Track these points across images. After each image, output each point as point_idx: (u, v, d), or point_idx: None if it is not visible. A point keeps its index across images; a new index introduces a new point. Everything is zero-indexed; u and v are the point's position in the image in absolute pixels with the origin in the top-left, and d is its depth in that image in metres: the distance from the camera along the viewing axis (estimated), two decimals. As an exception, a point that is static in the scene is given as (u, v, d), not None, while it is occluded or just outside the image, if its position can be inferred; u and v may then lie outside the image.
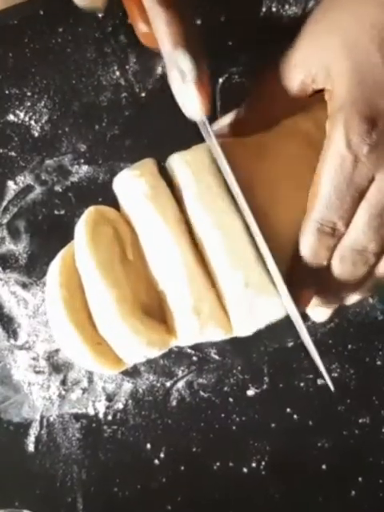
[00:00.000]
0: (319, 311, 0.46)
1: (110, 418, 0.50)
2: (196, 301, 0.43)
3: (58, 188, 0.50)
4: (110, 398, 0.50)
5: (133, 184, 0.45)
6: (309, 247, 0.41)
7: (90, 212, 0.45)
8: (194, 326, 0.44)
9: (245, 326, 0.45)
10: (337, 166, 0.39)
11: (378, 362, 0.49)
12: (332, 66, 0.39)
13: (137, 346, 0.44)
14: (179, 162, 0.45)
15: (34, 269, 0.50)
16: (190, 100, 0.41)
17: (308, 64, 0.40)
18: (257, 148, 0.44)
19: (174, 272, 0.43)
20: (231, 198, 0.44)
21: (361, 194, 0.39)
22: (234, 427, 0.49)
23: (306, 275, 0.42)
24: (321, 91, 0.41)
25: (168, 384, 0.50)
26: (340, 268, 0.41)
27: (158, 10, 0.39)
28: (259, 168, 0.44)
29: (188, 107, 0.42)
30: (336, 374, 0.49)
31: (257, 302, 0.43)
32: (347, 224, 0.40)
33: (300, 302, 0.43)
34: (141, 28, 0.43)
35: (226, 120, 0.46)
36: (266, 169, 0.44)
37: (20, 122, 0.50)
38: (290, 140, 0.44)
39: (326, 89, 0.40)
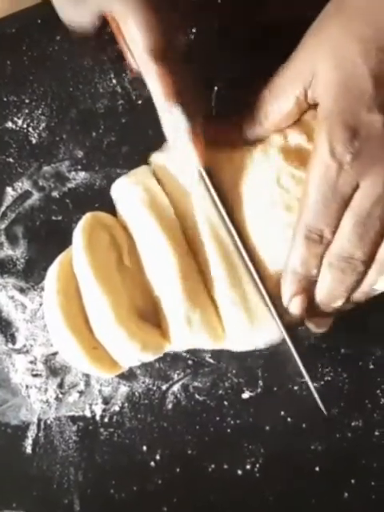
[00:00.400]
0: (318, 322, 0.46)
1: (106, 420, 0.50)
2: (188, 310, 0.44)
3: (55, 194, 0.51)
4: (106, 400, 0.50)
5: (130, 191, 0.46)
6: (298, 255, 0.42)
7: (87, 218, 0.46)
8: (186, 334, 0.45)
9: (240, 342, 0.46)
10: (322, 174, 0.39)
11: (371, 366, 0.49)
12: (320, 77, 0.40)
13: (132, 350, 0.45)
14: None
15: (31, 274, 0.50)
16: (185, 154, 0.42)
17: (302, 77, 0.41)
18: (241, 164, 0.45)
19: (167, 280, 0.44)
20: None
21: (346, 202, 0.40)
22: (228, 430, 0.50)
23: (296, 286, 0.43)
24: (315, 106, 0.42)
25: (164, 387, 0.50)
26: (329, 276, 0.42)
27: (150, 63, 0.39)
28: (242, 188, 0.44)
29: (183, 160, 0.43)
30: (329, 378, 0.50)
31: (253, 325, 0.44)
32: (334, 232, 0.40)
33: (295, 315, 0.44)
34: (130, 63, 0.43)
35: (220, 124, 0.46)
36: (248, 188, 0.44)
37: (18, 128, 0.51)
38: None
39: (317, 100, 0.41)
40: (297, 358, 0.45)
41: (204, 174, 0.43)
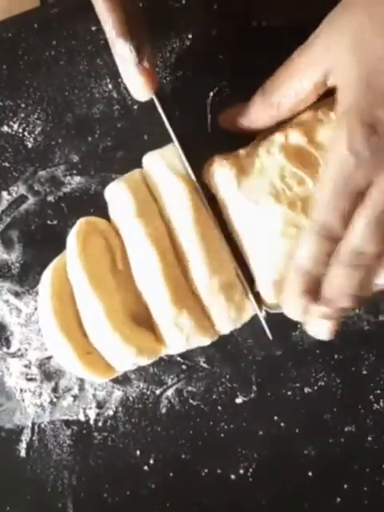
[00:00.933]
0: (322, 329, 0.45)
1: (100, 424, 0.50)
2: (176, 316, 0.44)
3: (50, 198, 0.51)
4: (100, 405, 0.50)
5: (119, 196, 0.46)
6: (307, 252, 0.41)
7: (81, 224, 0.46)
8: (179, 338, 0.45)
9: (226, 326, 0.46)
10: (338, 167, 0.39)
11: (364, 372, 0.50)
12: (341, 67, 0.40)
13: (127, 354, 0.45)
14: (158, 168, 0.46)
15: (26, 278, 0.51)
16: (134, 82, 0.44)
17: (320, 63, 0.41)
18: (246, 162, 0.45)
19: (154, 285, 0.44)
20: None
21: (359, 198, 0.39)
22: (222, 434, 0.50)
23: (302, 283, 0.41)
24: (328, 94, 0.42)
25: (158, 392, 0.50)
26: (339, 272, 0.40)
27: None
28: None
29: (133, 89, 0.45)
30: (323, 383, 0.50)
31: (231, 305, 0.45)
32: (346, 227, 0.40)
33: (302, 314, 0.43)
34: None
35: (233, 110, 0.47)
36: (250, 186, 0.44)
37: (13, 133, 0.51)
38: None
39: (336, 87, 0.41)
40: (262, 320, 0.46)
41: (156, 100, 0.46)
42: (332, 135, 0.40)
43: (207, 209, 0.45)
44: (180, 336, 0.45)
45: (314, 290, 0.41)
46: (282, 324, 0.50)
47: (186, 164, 0.45)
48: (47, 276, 0.46)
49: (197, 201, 0.44)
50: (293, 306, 0.43)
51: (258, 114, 0.45)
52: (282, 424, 0.50)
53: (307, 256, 0.41)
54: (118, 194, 0.46)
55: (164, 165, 0.45)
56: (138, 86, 0.44)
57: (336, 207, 0.39)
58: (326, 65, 0.41)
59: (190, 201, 0.44)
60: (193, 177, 0.45)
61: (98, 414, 0.50)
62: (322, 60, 0.41)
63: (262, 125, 0.45)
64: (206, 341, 0.46)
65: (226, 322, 0.45)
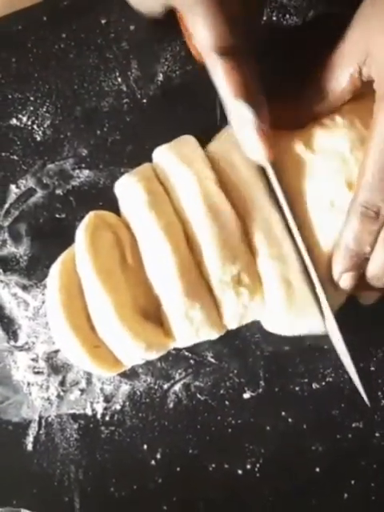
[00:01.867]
0: (372, 297, 0.47)
1: (107, 418, 0.50)
2: (189, 308, 0.44)
3: (59, 192, 0.51)
4: (107, 399, 0.50)
5: (131, 189, 0.46)
6: (352, 232, 0.42)
7: (90, 217, 0.46)
8: (189, 331, 0.45)
9: (233, 321, 0.46)
10: (381, 148, 0.40)
11: (372, 368, 0.50)
12: (375, 55, 0.41)
13: (136, 349, 0.45)
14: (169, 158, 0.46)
15: (34, 271, 0.50)
16: (253, 146, 0.42)
17: (356, 54, 0.42)
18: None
19: (167, 278, 0.44)
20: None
21: None
22: (229, 430, 0.50)
23: (348, 262, 0.43)
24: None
25: (165, 386, 0.50)
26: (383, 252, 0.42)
27: (216, 58, 0.40)
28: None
29: (251, 152, 0.43)
30: (331, 379, 0.50)
31: (240, 299, 0.44)
32: None
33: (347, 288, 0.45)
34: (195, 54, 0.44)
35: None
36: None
37: (22, 126, 0.51)
38: None
39: (374, 75, 0.41)
40: (343, 346, 0.45)
41: (270, 167, 0.44)
42: (373, 119, 0.41)
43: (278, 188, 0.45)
44: (190, 329, 0.45)
45: (359, 266, 0.43)
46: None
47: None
48: (55, 269, 0.46)
49: (208, 190, 0.44)
50: (342, 283, 0.44)
51: (302, 112, 0.45)
52: (290, 419, 0.50)
53: (352, 236, 0.42)
54: (129, 187, 0.46)
55: (174, 156, 0.45)
56: (257, 149, 0.43)
57: (380, 187, 0.40)
58: (360, 55, 0.41)
59: (200, 190, 0.44)
60: (270, 169, 0.44)
61: (105, 408, 0.50)
62: (355, 51, 0.42)
63: (298, 123, 0.46)
64: (214, 334, 0.46)
65: (233, 314, 0.45)
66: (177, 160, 0.45)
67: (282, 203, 0.44)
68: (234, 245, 0.44)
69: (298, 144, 0.45)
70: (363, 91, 0.44)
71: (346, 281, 0.44)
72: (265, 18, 0.50)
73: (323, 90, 0.44)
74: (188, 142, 0.46)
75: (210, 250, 0.44)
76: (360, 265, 0.43)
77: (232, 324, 0.46)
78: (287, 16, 0.50)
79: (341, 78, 0.43)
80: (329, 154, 0.44)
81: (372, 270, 0.43)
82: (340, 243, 0.43)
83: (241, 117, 0.41)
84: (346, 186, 0.44)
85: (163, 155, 0.46)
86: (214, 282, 0.44)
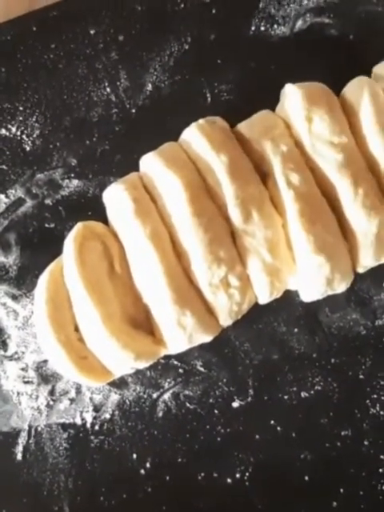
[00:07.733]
0: None
1: (97, 428, 0.50)
2: (180, 316, 0.44)
3: (48, 201, 0.51)
4: (97, 408, 0.50)
5: (118, 198, 0.46)
6: None
7: (78, 228, 0.46)
8: (182, 338, 0.45)
9: (228, 318, 0.46)
10: None
11: (361, 376, 0.50)
12: None
13: (125, 360, 0.45)
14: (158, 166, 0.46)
15: (23, 281, 0.51)
16: None
17: None
18: None
19: (156, 289, 0.44)
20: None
21: None
22: (218, 438, 0.50)
23: None
24: None
25: (154, 395, 0.50)
26: None
27: None
28: None
29: None
30: (319, 388, 0.50)
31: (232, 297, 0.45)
32: None
33: None
34: None
35: None
36: None
37: (12, 136, 0.51)
38: None
39: None
40: None
41: None
42: None
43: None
44: (183, 336, 0.45)
45: None
46: (277, 328, 0.50)
47: None
48: (43, 280, 0.46)
49: (193, 194, 0.44)
50: None
51: None
52: (279, 428, 0.50)
53: None
54: (116, 195, 0.46)
55: (160, 162, 0.45)
56: None
57: None
58: None
59: (185, 193, 0.44)
60: None
61: (94, 418, 0.50)
62: None
63: None
64: (208, 338, 0.46)
65: (227, 314, 0.45)
66: (162, 166, 0.45)
67: None
68: (219, 247, 0.44)
69: None
70: None
71: None
72: (253, 29, 0.51)
73: None
74: (173, 147, 0.47)
75: (197, 254, 0.44)
76: None
77: (227, 322, 0.46)
78: (275, 26, 0.51)
79: None
80: None
81: None
82: None
83: None
84: None
85: (149, 162, 0.46)
86: (203, 286, 0.44)
